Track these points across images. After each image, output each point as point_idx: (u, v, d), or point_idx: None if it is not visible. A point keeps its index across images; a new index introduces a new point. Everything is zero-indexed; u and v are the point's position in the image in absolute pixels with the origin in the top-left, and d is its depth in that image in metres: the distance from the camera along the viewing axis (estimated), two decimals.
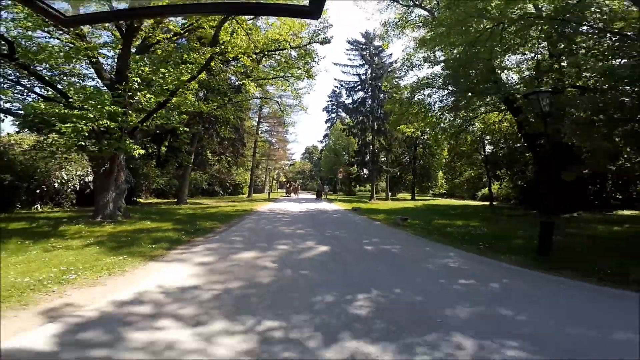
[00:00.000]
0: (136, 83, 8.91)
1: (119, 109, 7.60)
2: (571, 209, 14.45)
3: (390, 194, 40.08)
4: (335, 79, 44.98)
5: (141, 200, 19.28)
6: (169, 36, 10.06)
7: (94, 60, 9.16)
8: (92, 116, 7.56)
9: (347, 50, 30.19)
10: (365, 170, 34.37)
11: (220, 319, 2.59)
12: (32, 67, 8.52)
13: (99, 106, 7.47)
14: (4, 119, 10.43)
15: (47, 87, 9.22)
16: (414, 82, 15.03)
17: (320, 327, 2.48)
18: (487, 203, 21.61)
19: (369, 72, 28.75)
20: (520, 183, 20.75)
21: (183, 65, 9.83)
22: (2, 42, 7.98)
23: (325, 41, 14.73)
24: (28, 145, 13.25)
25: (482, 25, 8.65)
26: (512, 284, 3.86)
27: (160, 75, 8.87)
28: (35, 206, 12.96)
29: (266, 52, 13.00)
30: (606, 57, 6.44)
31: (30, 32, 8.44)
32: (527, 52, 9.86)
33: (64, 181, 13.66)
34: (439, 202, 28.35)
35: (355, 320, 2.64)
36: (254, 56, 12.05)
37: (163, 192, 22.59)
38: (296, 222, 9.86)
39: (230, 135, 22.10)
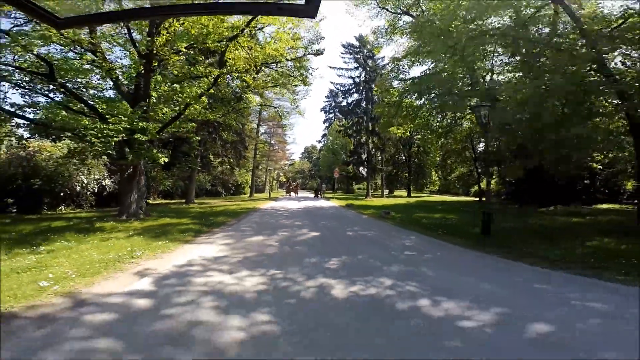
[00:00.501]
0: (154, 98, 10.54)
1: (149, 124, 9.19)
2: (550, 202, 16.04)
3: (387, 191, 41.74)
4: (331, 82, 46.69)
5: (150, 201, 20.93)
6: (182, 57, 11.60)
7: (116, 77, 10.77)
8: (121, 128, 9.18)
9: (342, 53, 31.76)
10: (362, 169, 36.02)
11: (244, 270, 4.22)
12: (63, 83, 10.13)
13: (130, 120, 9.08)
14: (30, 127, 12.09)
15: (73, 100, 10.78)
16: (401, 86, 16.56)
17: (305, 274, 4.11)
18: (478, 199, 23.22)
19: (363, 74, 30.32)
20: (507, 179, 22.35)
21: (195, 82, 11.44)
22: (43, 63, 9.60)
23: (319, 52, 16.32)
24: (48, 152, 14.84)
25: (448, 41, 10.17)
26: (443, 255, 5.48)
27: (177, 91, 10.47)
28: (60, 207, 14.59)
29: (265, 65, 14.62)
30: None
31: (67, 55, 10.07)
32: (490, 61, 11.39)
33: (83, 184, 15.31)
34: (432, 198, 30.02)
35: (327, 270, 4.27)
36: (254, 68, 13.64)
37: (170, 193, 24.25)
38: (294, 217, 11.52)
39: (233, 138, 23.71)
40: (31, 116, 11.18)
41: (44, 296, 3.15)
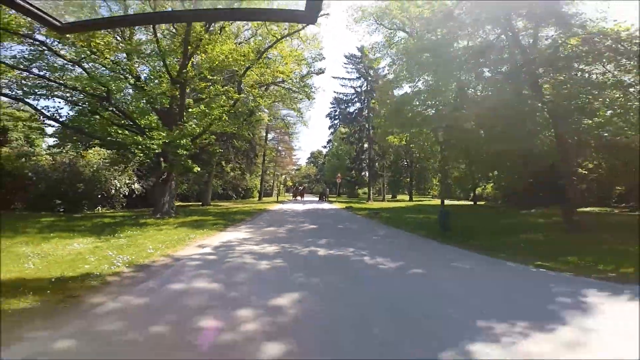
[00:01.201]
0: (185, 117, 13.18)
1: (187, 140, 11.76)
2: (531, 205, 18.01)
3: (390, 195, 43.87)
4: (334, 92, 49.40)
5: None
6: (207, 83, 14.21)
7: (152, 100, 13.40)
8: (161, 143, 11.74)
9: (344, 64, 34.39)
10: (364, 174, 38.35)
11: (265, 244, 6.69)
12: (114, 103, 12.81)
13: (171, 137, 11.67)
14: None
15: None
16: (397, 97, 18.79)
17: (303, 245, 6.59)
18: (481, 203, 25.30)
19: (365, 84, 32.81)
20: (503, 184, 24.35)
21: (216, 99, 14.06)
22: (103, 88, 12.26)
23: (320, 72, 18.88)
24: (86, 160, 17.53)
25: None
26: (400, 240, 7.83)
27: (207, 113, 13.05)
28: (97, 208, 17.29)
29: (273, 83, 17.25)
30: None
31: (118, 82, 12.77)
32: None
33: (117, 188, 17.99)
34: (431, 202, 32.08)
35: (317, 244, 6.74)
36: (264, 86, 16.20)
37: (186, 196, 26.97)
38: (299, 216, 13.99)
39: (244, 147, 26.40)
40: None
41: (155, 256, 5.61)
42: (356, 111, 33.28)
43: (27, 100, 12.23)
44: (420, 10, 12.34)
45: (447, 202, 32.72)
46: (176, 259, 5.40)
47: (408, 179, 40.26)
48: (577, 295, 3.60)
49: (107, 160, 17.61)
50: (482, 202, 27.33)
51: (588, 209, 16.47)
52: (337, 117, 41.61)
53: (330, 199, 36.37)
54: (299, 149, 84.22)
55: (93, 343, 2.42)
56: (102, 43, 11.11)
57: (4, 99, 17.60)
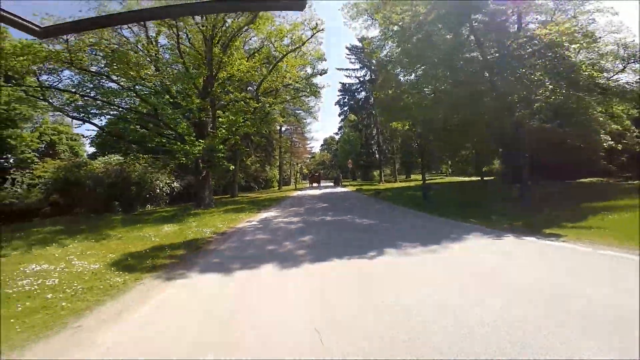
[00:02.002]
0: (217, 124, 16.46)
1: (222, 146, 15.06)
2: (535, 179, 20.15)
3: (405, 176, 46.19)
4: (340, 82, 51.34)
5: None
6: (231, 97, 17.35)
7: (188, 112, 16.68)
8: (201, 149, 15.09)
9: (347, 55, 36.45)
10: (375, 157, 40.82)
11: (291, 217, 10.00)
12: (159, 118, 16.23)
13: (208, 143, 14.99)
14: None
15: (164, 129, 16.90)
16: (387, 95, 21.16)
17: (317, 215, 9.76)
18: (490, 178, 27.51)
19: (368, 73, 34.86)
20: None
21: (239, 108, 17.25)
22: (150, 107, 15.64)
23: (323, 72, 21.53)
24: (134, 165, 21.24)
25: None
26: (385, 210, 10.80)
27: (233, 122, 16.25)
28: (146, 206, 21.18)
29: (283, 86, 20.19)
30: None
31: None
32: None
33: (160, 188, 21.78)
34: (443, 180, 34.42)
35: (326, 214, 9.90)
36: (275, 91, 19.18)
37: (214, 191, 30.81)
38: (314, 198, 17.24)
39: (262, 142, 29.69)
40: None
41: (224, 228, 8.95)
42: (362, 99, 35.56)
43: (92, 121, 15.94)
44: (402, 17, 14.69)
45: (458, 179, 35.13)
46: (238, 228, 8.73)
47: (419, 160, 42.41)
48: (462, 234, 6.37)
49: (146, 164, 21.19)
50: (492, 178, 29.21)
51: (587, 179, 18.43)
52: (346, 104, 43.89)
53: (344, 183, 39.37)
54: (312, 139, 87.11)
55: (225, 261, 5.69)
56: (148, 72, 14.45)
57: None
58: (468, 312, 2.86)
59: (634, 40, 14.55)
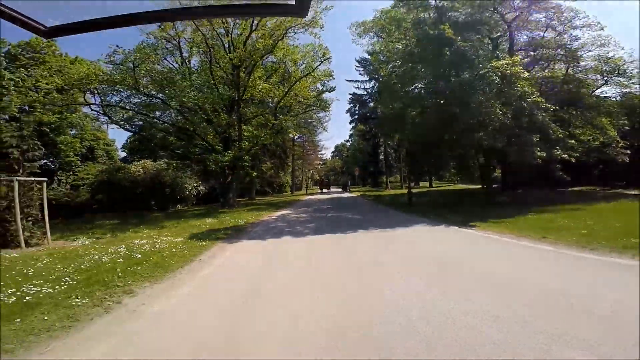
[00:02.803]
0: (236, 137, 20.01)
1: (247, 156, 18.56)
2: (514, 187, 22.80)
3: (413, 183, 48.80)
4: (349, 94, 54.65)
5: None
6: (255, 113, 20.89)
7: (215, 125, 20.28)
8: (229, 158, 18.60)
9: (356, 67, 39.81)
10: (382, 165, 43.70)
11: (302, 214, 13.31)
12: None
13: (235, 154, 18.49)
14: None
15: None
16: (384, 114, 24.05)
17: (321, 212, 13.03)
18: (495, 186, 29.94)
19: (375, 86, 37.93)
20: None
21: (259, 122, 20.76)
22: (189, 123, 19.31)
23: (331, 89, 24.79)
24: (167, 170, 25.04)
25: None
26: (375, 210, 13.90)
27: (256, 135, 19.73)
28: (177, 206, 24.90)
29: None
30: None
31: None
32: None
33: (189, 189, 25.47)
34: (446, 187, 36.99)
35: (328, 212, 13.12)
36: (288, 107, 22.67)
37: None
38: (322, 202, 20.49)
39: (277, 150, 33.25)
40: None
41: (252, 220, 12.31)
42: (370, 110, 38.69)
43: (143, 133, 19.82)
44: (400, 44, 17.96)
45: (462, 186, 37.66)
46: (262, 220, 12.10)
47: (426, 168, 44.98)
48: (412, 225, 9.44)
49: (176, 169, 24.69)
50: (495, 185, 31.29)
51: (585, 187, 20.81)
52: (356, 112, 47.06)
53: (352, 189, 42.39)
54: (323, 147, 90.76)
55: (260, 235, 9.00)
56: (190, 96, 18.15)
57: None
58: (385, 255, 6.00)
59: (614, 55, 17.24)
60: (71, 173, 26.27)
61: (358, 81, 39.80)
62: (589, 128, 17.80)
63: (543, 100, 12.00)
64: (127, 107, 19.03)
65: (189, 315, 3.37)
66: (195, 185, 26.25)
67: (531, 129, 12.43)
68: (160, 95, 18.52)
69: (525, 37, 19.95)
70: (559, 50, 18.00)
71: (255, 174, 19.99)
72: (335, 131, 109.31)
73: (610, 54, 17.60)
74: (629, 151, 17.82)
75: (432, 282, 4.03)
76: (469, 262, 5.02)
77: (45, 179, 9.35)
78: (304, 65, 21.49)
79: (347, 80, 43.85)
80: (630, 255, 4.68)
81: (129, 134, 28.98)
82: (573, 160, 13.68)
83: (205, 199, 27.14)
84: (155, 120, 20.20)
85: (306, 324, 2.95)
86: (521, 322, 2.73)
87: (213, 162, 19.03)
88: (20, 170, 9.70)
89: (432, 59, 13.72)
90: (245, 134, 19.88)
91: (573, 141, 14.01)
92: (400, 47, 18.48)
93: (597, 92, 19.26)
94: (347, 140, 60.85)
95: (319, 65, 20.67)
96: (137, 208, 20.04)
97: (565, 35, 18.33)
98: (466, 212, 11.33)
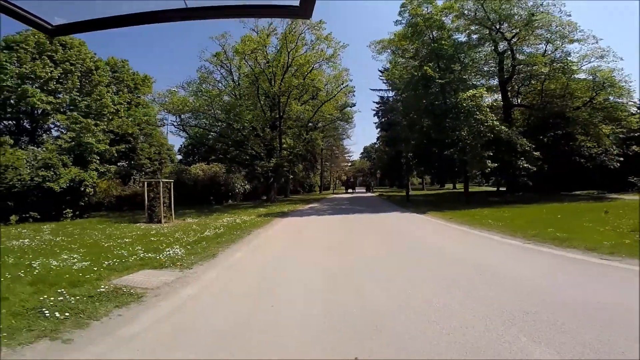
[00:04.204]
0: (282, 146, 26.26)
1: (285, 163, 24.76)
2: (518, 190, 26.83)
3: (439, 185, 52.69)
4: (373, 102, 59.46)
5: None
6: (292, 128, 27.04)
7: (262, 139, 26.65)
8: (273, 164, 24.83)
9: (379, 77, 44.60)
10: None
11: (326, 207, 19.08)
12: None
13: (277, 161, 24.69)
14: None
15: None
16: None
17: (340, 208, 18.74)
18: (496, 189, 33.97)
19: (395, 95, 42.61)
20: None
21: (296, 138, 26.87)
22: (245, 138, 25.92)
23: (352, 104, 30.34)
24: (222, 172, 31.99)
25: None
26: (380, 205, 19.23)
27: (292, 145, 25.82)
28: (228, 201, 31.78)
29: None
30: None
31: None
32: None
33: (237, 188, 32.28)
34: (460, 189, 40.94)
35: (346, 207, 18.73)
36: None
37: None
38: (343, 200, 26.19)
39: (308, 156, 39.32)
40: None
41: (291, 209, 18.25)
42: (390, 118, 43.44)
43: (207, 143, 26.73)
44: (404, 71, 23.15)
45: (482, 188, 41.24)
46: (298, 209, 18.09)
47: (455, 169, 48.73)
48: (393, 212, 14.83)
49: (223, 171, 31.36)
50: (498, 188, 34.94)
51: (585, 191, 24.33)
52: (382, 116, 51.72)
53: (376, 190, 47.40)
54: (349, 150, 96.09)
55: (298, 215, 14.93)
56: (247, 118, 24.59)
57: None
58: (363, 222, 11.53)
59: (601, 67, 20.19)
60: (143, 173, 34.17)
61: (381, 90, 44.76)
62: (587, 138, 21.58)
63: (497, 123, 16.68)
64: (200, 127, 26.06)
65: (278, 236, 9.28)
66: (242, 184, 32.99)
67: (497, 145, 17.18)
68: (224, 116, 25.29)
69: (528, 50, 23.59)
70: (554, 64, 21.31)
71: (291, 176, 26.03)
72: (367, 131, 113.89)
73: (612, 65, 20.47)
74: (622, 158, 21.21)
75: (377, 230, 9.60)
76: (401, 226, 10.54)
77: (172, 180, 15.95)
78: (328, 85, 27.28)
79: (371, 90, 48.81)
80: (498, 233, 9.81)
81: (183, 139, 36.69)
82: (534, 169, 18.06)
83: (249, 196, 33.82)
84: (217, 134, 27.10)
85: (323, 240, 8.68)
86: (401, 248, 8.23)
87: (260, 167, 25.38)
88: (158, 174, 16.37)
89: (420, 92, 18.89)
90: (283, 145, 26.03)
91: (537, 153, 18.29)
92: (404, 74, 23.56)
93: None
94: (375, 143, 65.55)
95: (339, 91, 26.35)
96: (198, 202, 27.24)
97: (562, 50, 21.75)
98: (437, 206, 16.46)
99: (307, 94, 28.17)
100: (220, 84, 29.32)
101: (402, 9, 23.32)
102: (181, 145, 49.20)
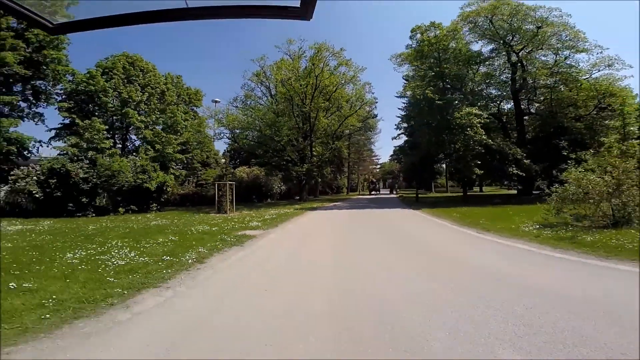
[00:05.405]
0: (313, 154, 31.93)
1: (316, 169, 30.47)
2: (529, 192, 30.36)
3: (467, 188, 55.84)
4: (397, 108, 63.33)
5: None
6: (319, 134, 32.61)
7: (296, 147, 32.48)
8: (305, 169, 30.58)
9: (404, 84, 48.72)
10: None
11: (348, 205, 24.39)
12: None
13: (309, 166, 30.41)
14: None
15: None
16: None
17: (359, 204, 23.89)
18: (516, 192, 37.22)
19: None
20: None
21: (325, 145, 32.40)
22: (282, 149, 32.00)
23: (375, 116, 35.26)
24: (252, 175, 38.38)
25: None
26: (394, 204, 24.12)
27: (321, 152, 31.38)
28: (267, 200, 38.06)
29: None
30: None
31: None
32: None
33: (275, 188, 38.47)
34: (492, 192, 44.13)
35: (364, 205, 23.93)
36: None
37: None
38: (365, 200, 31.23)
39: (335, 160, 44.73)
40: None
41: (320, 206, 23.74)
42: (412, 125, 47.48)
43: (254, 152, 33.13)
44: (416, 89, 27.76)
45: (502, 191, 44.13)
46: (324, 205, 23.55)
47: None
48: (397, 209, 19.67)
49: (263, 174, 37.56)
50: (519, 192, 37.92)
51: None
52: (404, 122, 55.76)
53: (400, 192, 51.61)
54: (377, 155, 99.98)
55: (324, 210, 20.46)
56: (285, 133, 30.56)
57: None
58: (370, 214, 16.70)
59: (613, 75, 22.73)
60: (196, 175, 41.37)
61: (405, 97, 48.92)
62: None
63: (485, 137, 20.96)
64: (248, 139, 32.56)
65: (309, 218, 14.78)
66: (279, 185, 39.05)
67: (491, 155, 21.49)
68: (268, 131, 31.43)
69: (542, 59, 26.43)
70: (557, 75, 24.41)
71: (320, 180, 31.60)
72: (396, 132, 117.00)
73: (620, 73, 23.11)
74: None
75: (372, 217, 14.83)
76: (389, 215, 15.69)
77: (234, 183, 22.18)
78: (351, 100, 32.55)
79: (396, 97, 53.15)
80: (446, 221, 14.60)
81: (226, 145, 43.63)
82: (523, 174, 22.00)
83: (284, 196, 39.81)
84: (259, 143, 33.41)
85: (337, 220, 14.07)
86: (378, 227, 13.44)
87: (294, 171, 31.22)
88: (225, 177, 22.70)
89: (425, 110, 23.62)
90: (313, 152, 31.65)
91: (527, 161, 22.19)
92: (416, 91, 28.21)
93: None
94: (402, 145, 69.27)
95: (359, 107, 31.55)
96: (242, 200, 33.42)
97: (571, 59, 24.60)
98: (434, 206, 21.13)
99: (333, 108, 33.68)
100: (261, 100, 35.74)
101: (412, 33, 28.07)
102: (224, 150, 56.77)
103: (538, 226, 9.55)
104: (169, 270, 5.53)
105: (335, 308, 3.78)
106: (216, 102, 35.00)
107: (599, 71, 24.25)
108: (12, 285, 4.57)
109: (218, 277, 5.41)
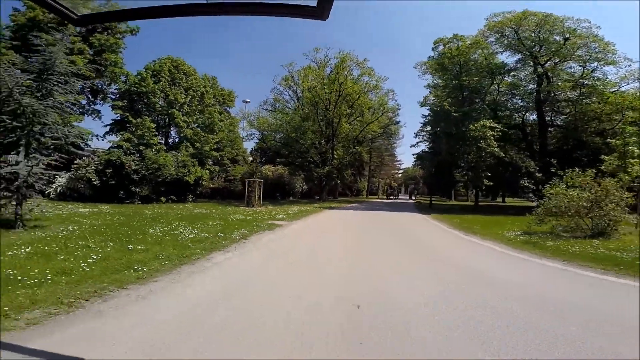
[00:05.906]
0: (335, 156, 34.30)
1: (336, 171, 32.89)
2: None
3: (489, 198, 56.05)
4: (422, 115, 64.00)
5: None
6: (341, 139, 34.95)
7: (318, 150, 34.98)
8: (326, 171, 33.02)
9: (429, 93, 49.98)
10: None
11: (364, 206, 26.54)
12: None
13: (330, 168, 32.83)
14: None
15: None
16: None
17: (374, 207, 25.98)
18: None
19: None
20: None
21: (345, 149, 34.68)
22: (306, 151, 34.66)
23: (397, 122, 37.02)
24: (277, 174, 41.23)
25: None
26: (407, 210, 25.98)
27: (341, 155, 33.70)
28: (290, 198, 40.83)
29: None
30: None
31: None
32: None
33: (296, 187, 41.18)
34: (513, 203, 44.60)
35: (379, 208, 26.00)
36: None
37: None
38: (382, 203, 33.17)
39: (355, 163, 46.83)
40: None
41: (337, 206, 26.05)
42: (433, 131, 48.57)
43: (280, 152, 36.03)
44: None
45: (519, 202, 44.42)
46: (342, 206, 25.79)
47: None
48: (408, 213, 21.55)
49: (287, 173, 40.30)
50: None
51: None
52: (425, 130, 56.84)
53: (419, 198, 52.80)
54: (400, 160, 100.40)
55: (341, 209, 22.81)
56: (309, 137, 33.16)
57: None
58: (382, 215, 18.83)
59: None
60: (226, 171, 44.63)
61: (427, 105, 50.11)
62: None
63: (498, 150, 22.37)
64: (275, 140, 35.49)
65: (327, 216, 17.16)
66: (301, 185, 41.68)
67: (504, 167, 22.96)
68: (294, 134, 34.13)
69: (569, 70, 26.47)
70: (582, 88, 24.58)
71: (339, 181, 33.89)
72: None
73: None
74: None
75: (383, 219, 16.98)
76: (400, 218, 17.71)
77: (262, 180, 25.01)
78: (373, 107, 34.61)
79: (419, 105, 54.61)
80: (445, 225, 16.48)
81: (253, 143, 46.85)
82: (534, 187, 23.17)
83: (305, 195, 42.38)
84: (285, 144, 36.27)
85: (351, 218, 16.37)
86: (379, 226, 15.61)
87: (315, 172, 33.74)
88: (254, 175, 25.63)
89: (442, 122, 25.31)
90: (335, 155, 33.99)
91: (540, 175, 23.32)
92: (436, 102, 29.82)
93: None
94: (420, 153, 70.01)
95: (380, 115, 33.54)
96: (267, 197, 36.15)
97: (600, 71, 24.66)
98: (445, 212, 22.81)
99: (355, 114, 35.91)
100: (288, 104, 38.57)
101: (435, 45, 29.71)
102: (252, 148, 60.15)
103: (520, 233, 11.24)
104: (224, 242, 8.11)
105: (342, 264, 6.17)
106: (246, 102, 38.32)
107: (627, 84, 24.16)
108: (130, 247, 7.17)
109: (257, 247, 7.94)
